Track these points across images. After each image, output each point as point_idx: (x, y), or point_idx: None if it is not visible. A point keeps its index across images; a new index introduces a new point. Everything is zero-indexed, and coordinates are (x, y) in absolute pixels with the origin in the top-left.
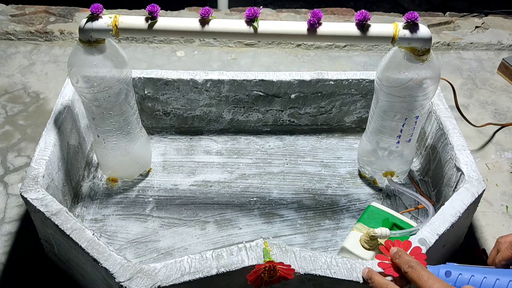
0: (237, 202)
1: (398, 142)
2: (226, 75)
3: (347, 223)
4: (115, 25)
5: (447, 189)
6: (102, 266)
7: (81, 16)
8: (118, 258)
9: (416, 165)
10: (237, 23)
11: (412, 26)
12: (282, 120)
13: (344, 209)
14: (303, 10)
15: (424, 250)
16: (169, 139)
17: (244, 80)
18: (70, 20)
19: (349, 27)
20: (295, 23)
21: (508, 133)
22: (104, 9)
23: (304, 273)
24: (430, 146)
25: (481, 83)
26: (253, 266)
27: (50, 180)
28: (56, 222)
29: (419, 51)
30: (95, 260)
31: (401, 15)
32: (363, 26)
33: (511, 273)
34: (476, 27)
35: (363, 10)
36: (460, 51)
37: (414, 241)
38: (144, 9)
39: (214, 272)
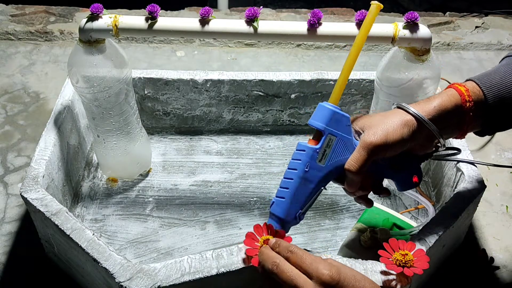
0: (237, 202)
1: None
2: (226, 75)
3: (347, 223)
4: (115, 25)
5: (447, 189)
6: (102, 266)
7: (81, 16)
8: (118, 258)
9: None
10: (237, 23)
11: (412, 26)
12: (282, 120)
13: (344, 209)
14: (303, 10)
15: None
16: (169, 139)
17: (244, 80)
18: (70, 20)
19: (349, 27)
20: (295, 23)
21: (508, 133)
22: (104, 9)
23: None
24: None
25: None
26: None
27: (50, 180)
28: (56, 222)
29: (419, 51)
30: (95, 260)
31: (401, 15)
32: None
33: None
34: (476, 27)
35: (363, 10)
36: (460, 51)
37: (414, 241)
38: (144, 9)
39: (214, 272)
